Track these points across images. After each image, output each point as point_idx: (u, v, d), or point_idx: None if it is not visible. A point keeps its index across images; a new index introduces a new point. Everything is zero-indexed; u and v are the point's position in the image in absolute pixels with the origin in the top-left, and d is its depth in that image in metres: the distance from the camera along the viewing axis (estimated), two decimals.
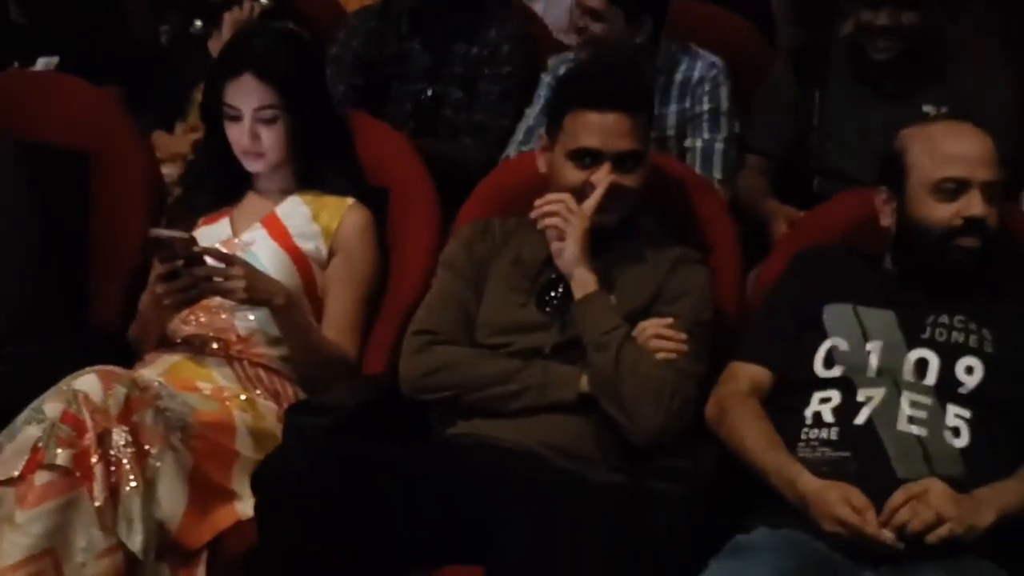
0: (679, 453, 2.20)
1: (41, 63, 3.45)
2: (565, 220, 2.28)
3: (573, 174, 2.34)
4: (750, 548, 2.01)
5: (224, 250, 2.43)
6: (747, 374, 2.29)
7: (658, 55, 3.06)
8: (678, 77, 3.07)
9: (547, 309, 2.35)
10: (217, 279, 2.34)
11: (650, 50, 3.06)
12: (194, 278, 2.33)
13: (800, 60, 3.08)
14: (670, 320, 2.29)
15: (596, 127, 2.31)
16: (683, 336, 2.27)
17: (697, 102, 3.05)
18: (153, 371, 2.40)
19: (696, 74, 3.06)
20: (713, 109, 3.04)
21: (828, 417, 2.19)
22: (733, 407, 2.23)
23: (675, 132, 3.05)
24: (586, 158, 2.32)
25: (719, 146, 3.03)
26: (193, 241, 2.35)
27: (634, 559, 2.05)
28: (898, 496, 2.03)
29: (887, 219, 2.32)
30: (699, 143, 3.04)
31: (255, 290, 2.36)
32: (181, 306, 2.41)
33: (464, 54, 3.27)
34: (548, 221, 2.30)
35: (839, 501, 2.04)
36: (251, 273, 2.38)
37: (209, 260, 2.36)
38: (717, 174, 3.01)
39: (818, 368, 2.25)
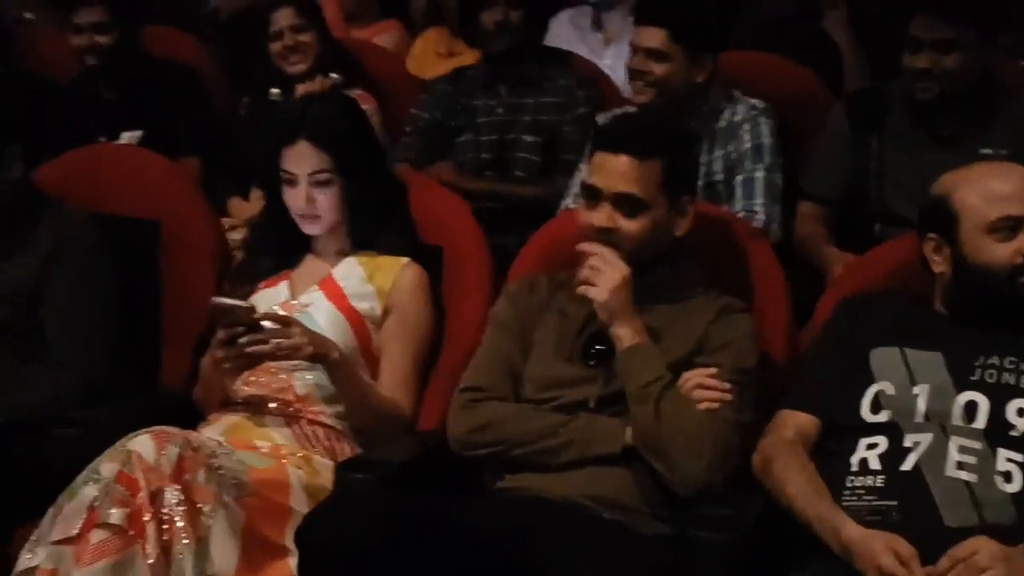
0: (722, 502, 2.19)
1: (125, 137, 3.59)
2: (598, 271, 2.29)
3: (582, 213, 2.37)
4: None
5: (282, 312, 2.50)
6: (794, 422, 2.27)
7: (708, 100, 3.08)
8: (722, 124, 3.07)
9: (591, 363, 2.36)
10: (276, 340, 2.40)
11: (704, 93, 3.07)
12: (253, 344, 2.40)
13: (857, 105, 3.06)
14: (713, 370, 2.28)
15: (601, 166, 2.34)
16: (726, 386, 2.27)
17: (740, 142, 3.04)
18: (214, 431, 2.47)
19: (738, 118, 3.06)
20: (755, 145, 3.03)
21: (874, 464, 2.17)
22: (778, 456, 2.22)
23: (723, 176, 3.05)
24: (591, 197, 2.35)
25: (759, 175, 3.00)
26: (253, 309, 2.41)
27: None
28: (944, 563, 1.99)
29: (940, 266, 2.29)
30: (740, 176, 3.02)
31: (316, 345, 2.42)
32: (241, 370, 2.48)
33: (536, 103, 3.47)
34: (580, 290, 2.31)
35: (884, 551, 2.01)
36: (307, 332, 2.44)
37: (267, 324, 2.42)
38: (759, 200, 2.98)
39: (865, 413, 2.23)
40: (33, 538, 2.23)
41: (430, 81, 3.76)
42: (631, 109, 3.17)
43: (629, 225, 2.33)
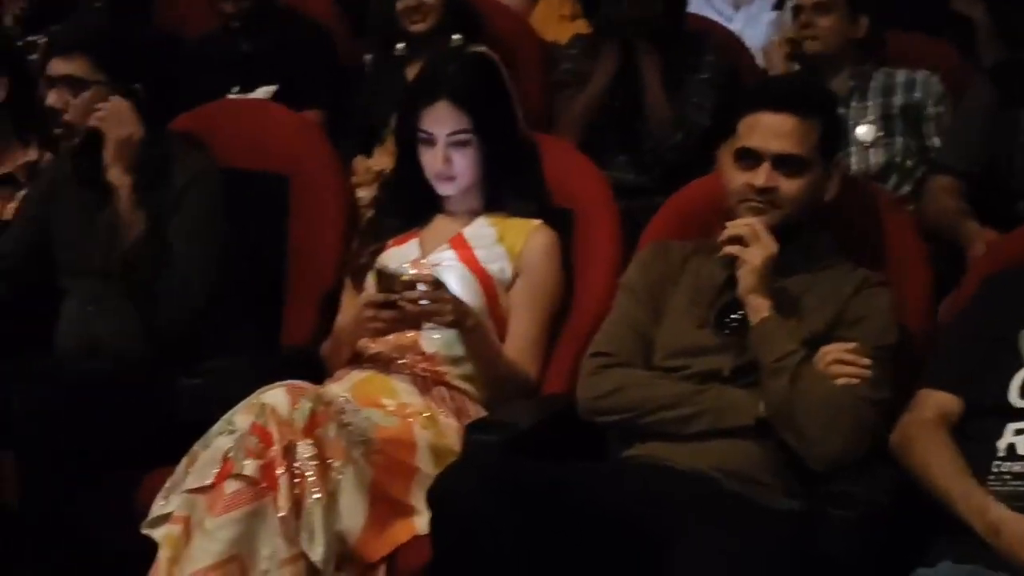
0: (858, 479, 2.15)
1: (261, 92, 3.62)
2: (747, 246, 2.26)
3: (734, 176, 2.33)
4: None
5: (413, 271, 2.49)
6: (935, 402, 2.22)
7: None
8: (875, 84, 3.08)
9: (725, 332, 2.33)
10: (424, 302, 2.39)
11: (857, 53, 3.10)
12: (407, 311, 2.39)
13: (1003, 77, 2.97)
14: (852, 345, 2.24)
15: (759, 126, 2.31)
16: (865, 361, 2.22)
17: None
18: (340, 387, 2.48)
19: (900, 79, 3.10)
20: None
21: (1023, 450, 2.11)
22: (919, 435, 2.17)
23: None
24: (747, 159, 2.31)
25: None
26: (412, 285, 2.40)
27: None
28: None
29: None
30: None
31: (458, 312, 2.42)
32: (386, 332, 2.48)
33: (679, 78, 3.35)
34: (728, 249, 2.28)
35: None
36: (453, 297, 2.44)
37: (421, 286, 2.40)
38: None
39: (1013, 397, 2.17)
40: (167, 485, 2.26)
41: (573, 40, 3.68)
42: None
43: (789, 185, 2.30)
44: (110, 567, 2.44)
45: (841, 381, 2.20)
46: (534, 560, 2.05)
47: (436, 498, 2.08)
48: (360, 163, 3.47)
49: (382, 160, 3.41)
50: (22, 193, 2.98)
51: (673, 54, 3.33)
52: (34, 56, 3.44)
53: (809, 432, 2.18)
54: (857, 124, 3.07)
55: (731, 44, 3.63)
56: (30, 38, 3.71)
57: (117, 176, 2.67)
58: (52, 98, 2.78)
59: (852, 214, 2.47)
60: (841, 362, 2.22)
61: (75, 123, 2.75)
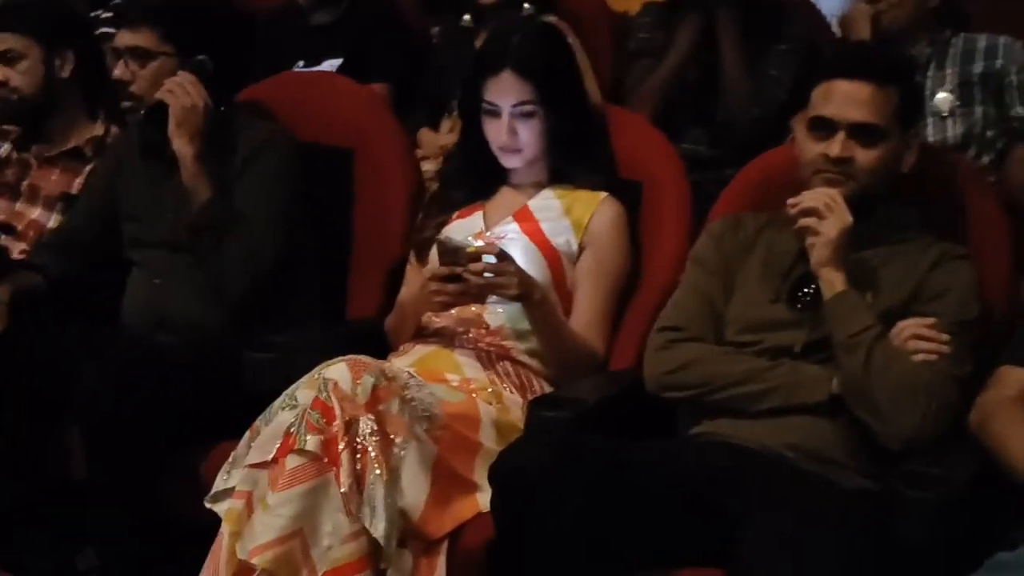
0: (935, 459, 2.08)
1: (326, 65, 3.59)
2: (822, 218, 2.19)
3: (808, 146, 2.26)
4: (1013, 567, 1.87)
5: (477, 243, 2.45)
6: (1016, 379, 2.15)
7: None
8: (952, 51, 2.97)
9: (798, 306, 2.26)
10: (489, 274, 2.35)
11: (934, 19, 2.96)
12: (472, 284, 2.35)
13: None
14: (931, 320, 2.17)
15: (834, 95, 2.24)
16: (944, 337, 2.15)
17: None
18: (404, 361, 2.45)
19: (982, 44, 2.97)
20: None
21: None
22: (999, 413, 2.11)
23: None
24: (822, 129, 2.24)
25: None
26: (477, 257, 2.36)
27: (881, 569, 1.95)
28: None
29: None
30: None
31: (524, 285, 2.38)
32: (451, 306, 2.45)
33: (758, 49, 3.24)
34: (803, 221, 2.22)
35: None
36: (519, 270, 2.39)
37: (488, 258, 2.36)
38: None
39: None
40: (229, 460, 2.25)
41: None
42: None
43: (865, 155, 2.23)
44: (178, 541, 2.43)
45: (919, 357, 2.13)
46: (597, 538, 2.00)
47: (499, 475, 2.04)
48: (426, 136, 3.44)
49: (449, 134, 3.38)
50: (89, 167, 2.99)
51: (752, 24, 3.25)
52: (102, 30, 3.45)
53: (884, 410, 2.12)
54: (934, 93, 2.97)
55: (811, 13, 3.54)
56: (96, 12, 3.71)
57: (181, 147, 2.66)
58: (119, 70, 2.79)
59: (931, 185, 2.39)
60: (919, 337, 2.15)
61: (142, 95, 2.76)
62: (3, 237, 2.99)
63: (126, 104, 2.87)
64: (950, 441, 2.13)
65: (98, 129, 3.03)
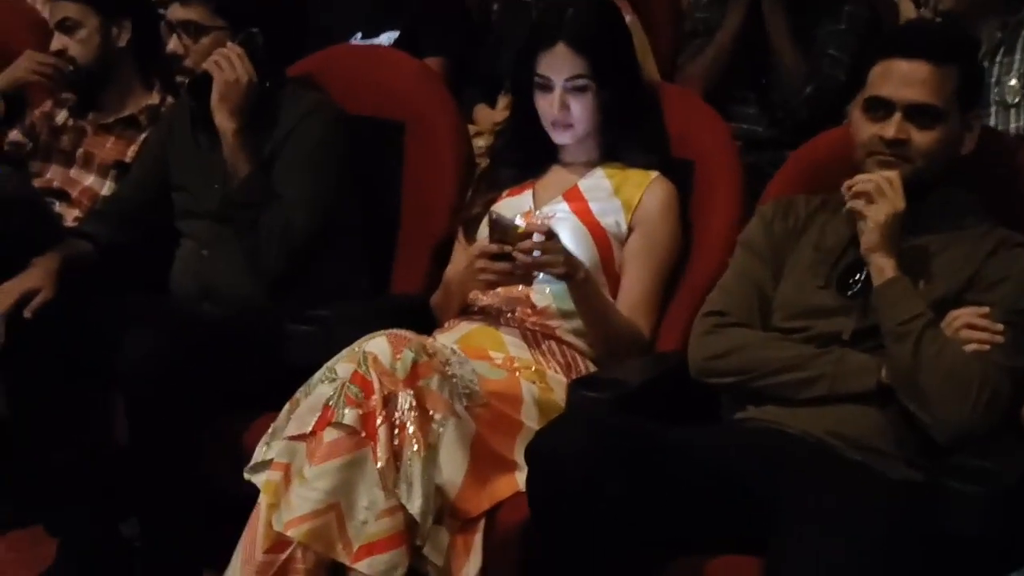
0: (985, 452, 2.02)
1: (384, 37, 3.57)
2: (872, 202, 2.13)
3: (863, 127, 2.20)
4: None
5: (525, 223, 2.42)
6: None
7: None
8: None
9: (848, 293, 2.21)
10: (537, 252, 2.32)
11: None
12: (520, 262, 2.32)
13: None
14: (984, 309, 2.10)
15: (891, 75, 2.18)
16: (999, 327, 2.08)
17: None
18: (449, 338, 2.44)
19: None
20: None
21: None
22: None
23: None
24: (878, 109, 2.18)
25: None
26: (527, 236, 2.33)
27: (925, 563, 1.90)
28: None
29: None
30: None
31: (569, 265, 2.35)
32: (496, 285, 2.42)
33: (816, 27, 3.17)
34: (852, 204, 2.16)
35: None
36: (564, 249, 2.36)
37: (536, 236, 2.33)
38: None
39: None
40: (269, 431, 2.24)
41: None
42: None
43: (922, 137, 2.17)
44: (220, 511, 2.44)
45: (971, 347, 2.07)
46: (633, 523, 1.97)
47: (534, 456, 2.01)
48: (482, 112, 3.41)
49: (504, 111, 3.35)
50: (144, 136, 3.00)
51: (810, 1, 3.19)
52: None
53: (933, 401, 2.06)
54: (1001, 80, 2.87)
55: None
56: None
57: (222, 121, 2.65)
58: (172, 43, 2.78)
59: (992, 170, 2.32)
60: (972, 327, 2.09)
61: (195, 68, 2.75)
62: (57, 204, 3.01)
63: (180, 78, 2.87)
64: (1002, 434, 2.07)
65: (154, 98, 3.04)
